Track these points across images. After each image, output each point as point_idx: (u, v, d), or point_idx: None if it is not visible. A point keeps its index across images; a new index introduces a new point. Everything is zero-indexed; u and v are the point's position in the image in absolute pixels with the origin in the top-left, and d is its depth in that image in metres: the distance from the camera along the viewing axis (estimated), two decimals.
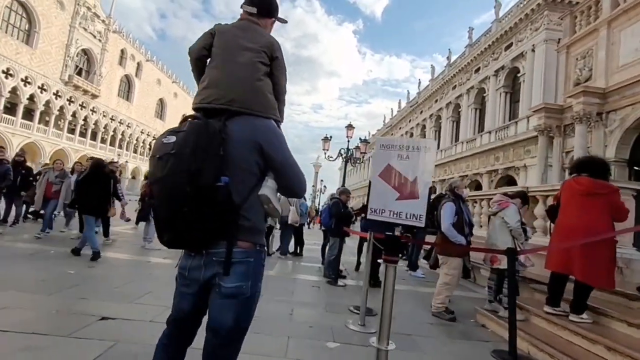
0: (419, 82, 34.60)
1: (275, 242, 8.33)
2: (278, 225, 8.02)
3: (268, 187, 1.19)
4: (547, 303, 3.12)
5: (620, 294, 3.23)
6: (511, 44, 20.33)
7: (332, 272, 5.24)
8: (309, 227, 17.53)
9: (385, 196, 2.04)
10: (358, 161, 12.17)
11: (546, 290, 3.44)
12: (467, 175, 22.87)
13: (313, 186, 34.26)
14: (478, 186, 21.92)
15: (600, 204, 2.80)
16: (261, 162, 1.20)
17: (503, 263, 3.41)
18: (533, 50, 18.33)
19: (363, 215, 7.08)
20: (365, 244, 6.61)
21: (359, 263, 6.80)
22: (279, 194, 1.27)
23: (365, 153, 12.07)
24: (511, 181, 19.33)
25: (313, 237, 13.64)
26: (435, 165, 26.88)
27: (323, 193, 36.63)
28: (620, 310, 2.93)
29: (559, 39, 17.41)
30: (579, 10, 10.20)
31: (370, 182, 2.15)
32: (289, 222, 7.52)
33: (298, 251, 8.14)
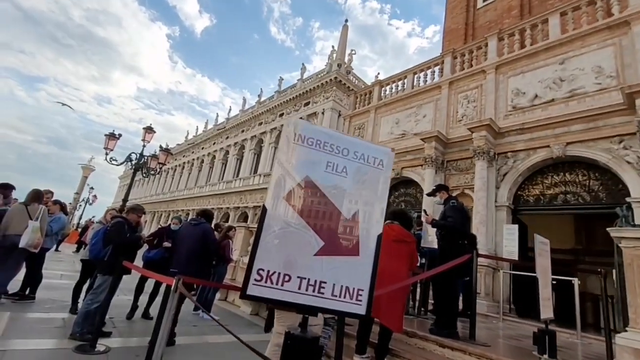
0: (230, 109, 35.11)
1: None
2: None
3: None
4: (357, 352, 3.19)
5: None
6: (309, 102, 24.40)
7: (91, 328, 3.51)
8: (56, 249, 12.53)
9: (293, 245, 1.03)
10: (152, 172, 9.96)
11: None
12: (260, 206, 24.29)
13: (77, 193, 25.72)
14: None
15: (405, 250, 3.24)
16: None
17: None
18: (323, 113, 22.69)
19: (153, 240, 5.53)
20: (151, 280, 5.14)
21: (134, 307, 5.10)
22: None
23: (164, 164, 10.01)
24: None
25: (59, 264, 9.66)
26: (233, 192, 27.20)
27: (91, 204, 28.25)
28: (403, 348, 3.41)
29: (339, 112, 22.87)
30: (359, 93, 13.62)
31: (264, 210, 1.08)
32: (22, 245, 4.77)
33: (28, 292, 5.26)
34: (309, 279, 1.04)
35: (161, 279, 2.51)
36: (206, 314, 5.66)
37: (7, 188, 5.19)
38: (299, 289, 1.02)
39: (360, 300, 1.04)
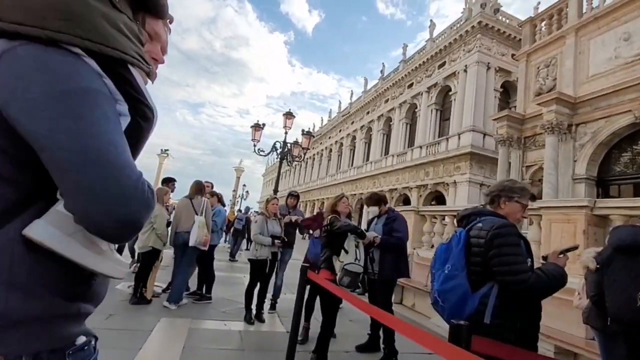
0: (352, 93, 34.13)
1: (164, 278, 5.01)
2: (166, 249, 4.71)
3: (52, 217, 0.54)
4: None
5: None
6: (444, 62, 20.61)
7: None
8: (225, 241, 13.64)
9: None
10: (297, 159, 9.41)
11: None
12: (396, 189, 22.35)
13: (234, 191, 30.33)
14: (406, 200, 21.49)
15: None
16: (16, 149, 0.51)
17: None
18: (465, 71, 18.63)
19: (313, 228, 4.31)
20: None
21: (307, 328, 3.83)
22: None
23: (307, 149, 9.24)
24: (439, 197, 19.21)
25: (226, 255, 10.17)
26: (365, 177, 26.08)
27: (245, 199, 32.74)
28: None
29: (488, 63, 18.23)
30: (540, 18, 9.67)
31: None
32: (192, 243, 4.31)
33: (204, 291, 4.90)
34: None
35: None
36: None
37: (170, 181, 5.08)
38: None
39: None
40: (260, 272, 4.15)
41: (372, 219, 3.64)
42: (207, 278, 4.90)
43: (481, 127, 17.35)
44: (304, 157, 9.54)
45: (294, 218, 4.61)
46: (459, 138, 17.89)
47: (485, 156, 16.93)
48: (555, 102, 7.74)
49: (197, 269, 4.93)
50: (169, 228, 4.52)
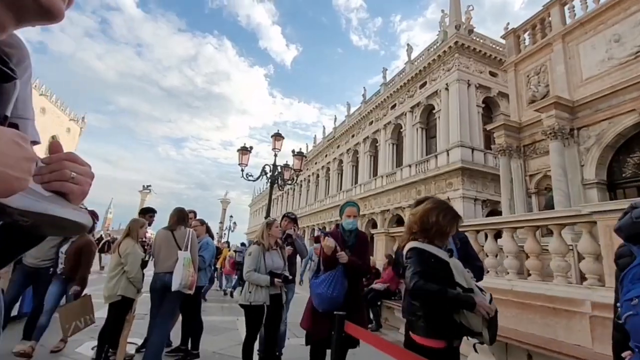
0: (335, 118, 34.33)
1: (140, 331, 4.03)
2: (141, 295, 3.76)
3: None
4: None
5: None
6: (425, 82, 20.97)
7: None
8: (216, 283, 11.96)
9: None
10: (289, 183, 8.68)
11: None
12: (388, 210, 21.84)
13: (221, 223, 29.03)
14: (400, 220, 20.94)
15: None
16: None
17: None
18: (447, 89, 18.91)
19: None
20: None
21: None
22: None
23: (300, 171, 8.50)
24: None
25: (215, 294, 9.02)
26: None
27: (232, 231, 31.39)
28: None
29: (468, 81, 18.62)
30: (522, 29, 9.75)
31: None
32: (176, 287, 3.41)
33: (190, 346, 3.94)
34: None
35: None
36: None
37: (149, 212, 4.19)
38: None
39: None
40: (257, 320, 3.25)
41: None
42: (193, 328, 3.96)
43: (468, 142, 17.36)
44: (296, 180, 8.84)
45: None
46: (448, 154, 17.78)
47: (476, 170, 16.78)
48: (554, 107, 7.53)
49: (180, 317, 4.02)
50: (145, 269, 3.64)
